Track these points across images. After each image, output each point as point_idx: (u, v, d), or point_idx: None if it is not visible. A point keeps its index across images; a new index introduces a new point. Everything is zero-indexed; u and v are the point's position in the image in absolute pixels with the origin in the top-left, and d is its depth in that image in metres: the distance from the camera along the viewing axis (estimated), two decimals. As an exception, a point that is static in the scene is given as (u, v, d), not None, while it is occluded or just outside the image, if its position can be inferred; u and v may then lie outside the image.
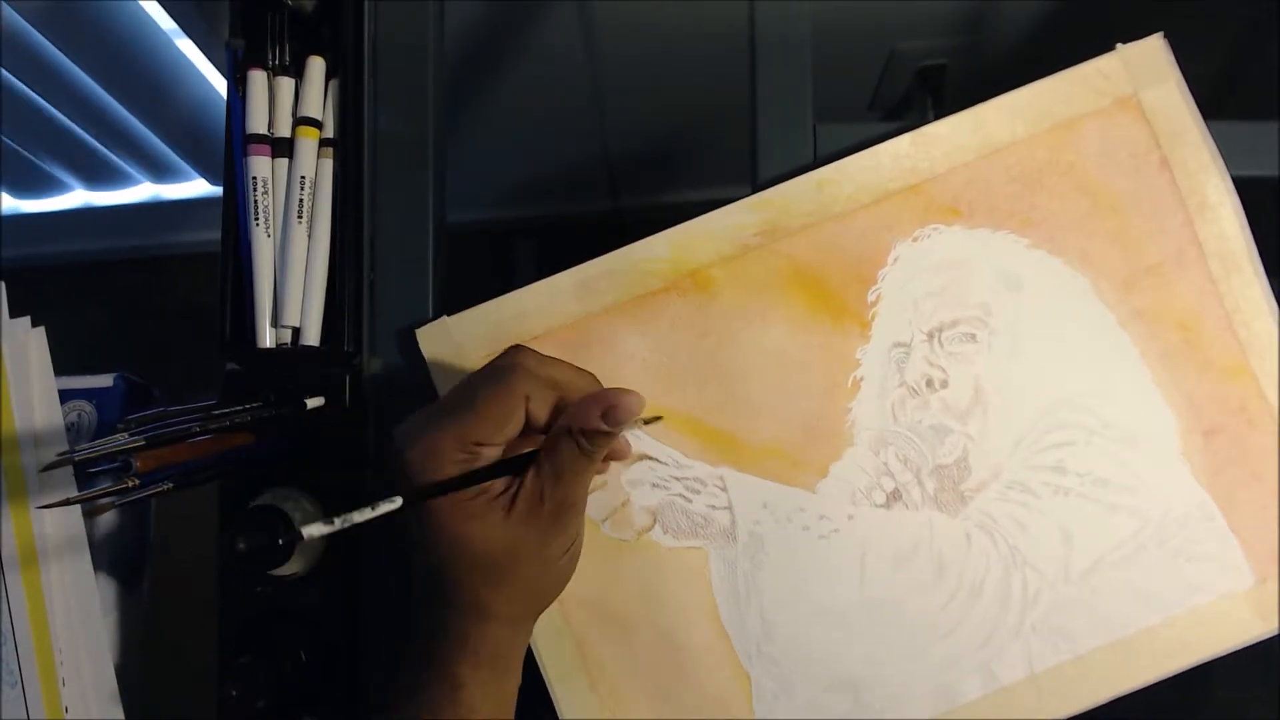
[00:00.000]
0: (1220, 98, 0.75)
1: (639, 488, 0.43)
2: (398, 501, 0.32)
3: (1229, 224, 0.42)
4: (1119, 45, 0.43)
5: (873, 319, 0.43)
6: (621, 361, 0.43)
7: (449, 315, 0.44)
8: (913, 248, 0.43)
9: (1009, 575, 0.42)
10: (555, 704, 0.42)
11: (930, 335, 0.43)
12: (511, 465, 0.34)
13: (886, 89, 0.80)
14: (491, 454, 0.34)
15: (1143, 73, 0.43)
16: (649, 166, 0.96)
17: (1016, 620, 0.42)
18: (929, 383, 0.43)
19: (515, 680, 0.36)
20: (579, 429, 0.34)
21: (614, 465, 0.43)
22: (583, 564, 0.39)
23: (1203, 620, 0.41)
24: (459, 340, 0.44)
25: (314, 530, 0.30)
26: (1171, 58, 0.43)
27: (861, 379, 0.43)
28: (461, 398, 0.34)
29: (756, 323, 0.43)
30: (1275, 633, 0.41)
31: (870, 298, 0.43)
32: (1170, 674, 0.41)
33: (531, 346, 0.38)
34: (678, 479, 0.43)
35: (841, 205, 0.43)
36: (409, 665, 0.36)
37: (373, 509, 0.31)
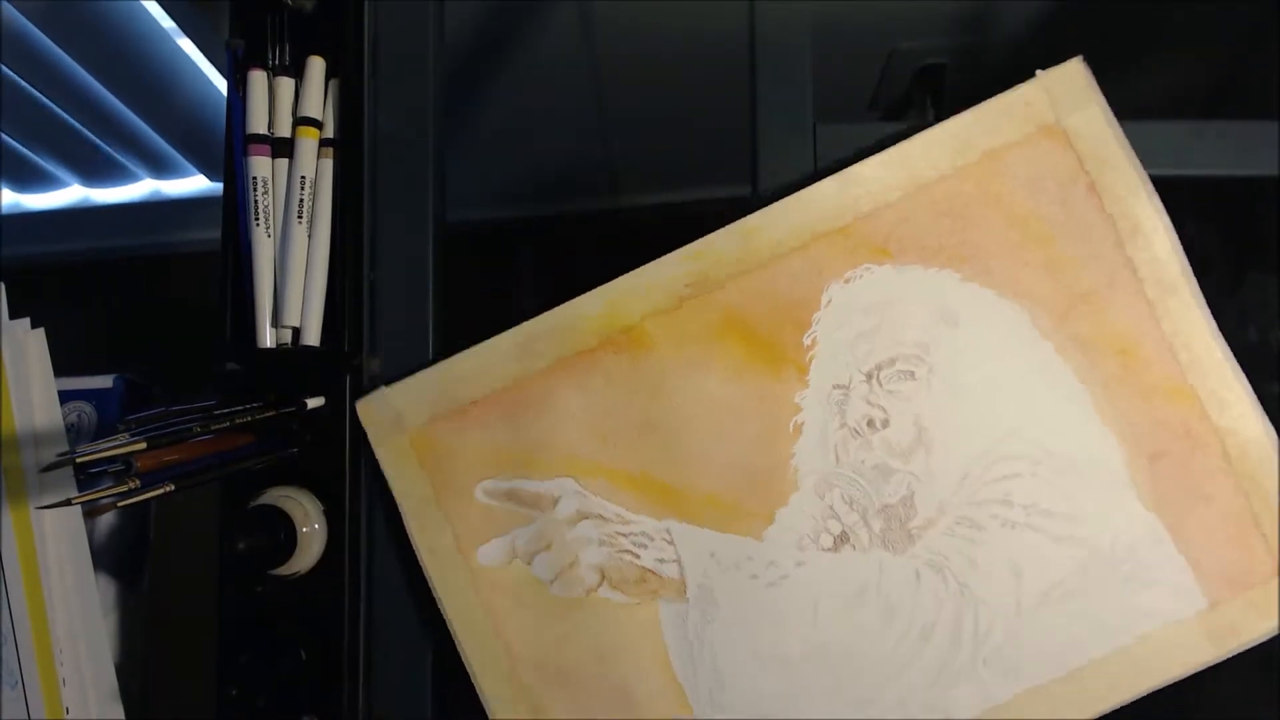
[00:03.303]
0: (1220, 98, 0.75)
1: (586, 546, 0.43)
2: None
3: (1161, 247, 0.42)
4: (1039, 72, 0.43)
5: (810, 362, 0.43)
6: (562, 420, 0.43)
7: (387, 385, 0.44)
8: (845, 289, 0.43)
9: (960, 612, 0.42)
10: None
11: (869, 375, 0.43)
12: None
13: (886, 89, 0.80)
14: None
15: (1065, 98, 0.42)
16: (649, 166, 0.96)
17: (969, 657, 0.41)
18: (870, 423, 0.42)
19: None
20: None
21: (560, 524, 0.43)
22: (533, 625, 0.40)
23: (1156, 646, 0.41)
24: (400, 408, 0.44)
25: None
26: (1093, 81, 0.42)
27: (803, 423, 0.43)
28: None
29: (693, 374, 0.43)
30: (1228, 656, 0.41)
31: (806, 341, 0.43)
32: (1126, 701, 0.41)
33: (473, 410, 0.38)
34: (624, 534, 0.43)
35: (770, 250, 0.43)
36: None
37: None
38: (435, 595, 0.43)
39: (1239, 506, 0.41)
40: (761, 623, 0.42)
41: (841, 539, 0.42)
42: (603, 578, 0.43)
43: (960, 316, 0.43)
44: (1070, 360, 0.42)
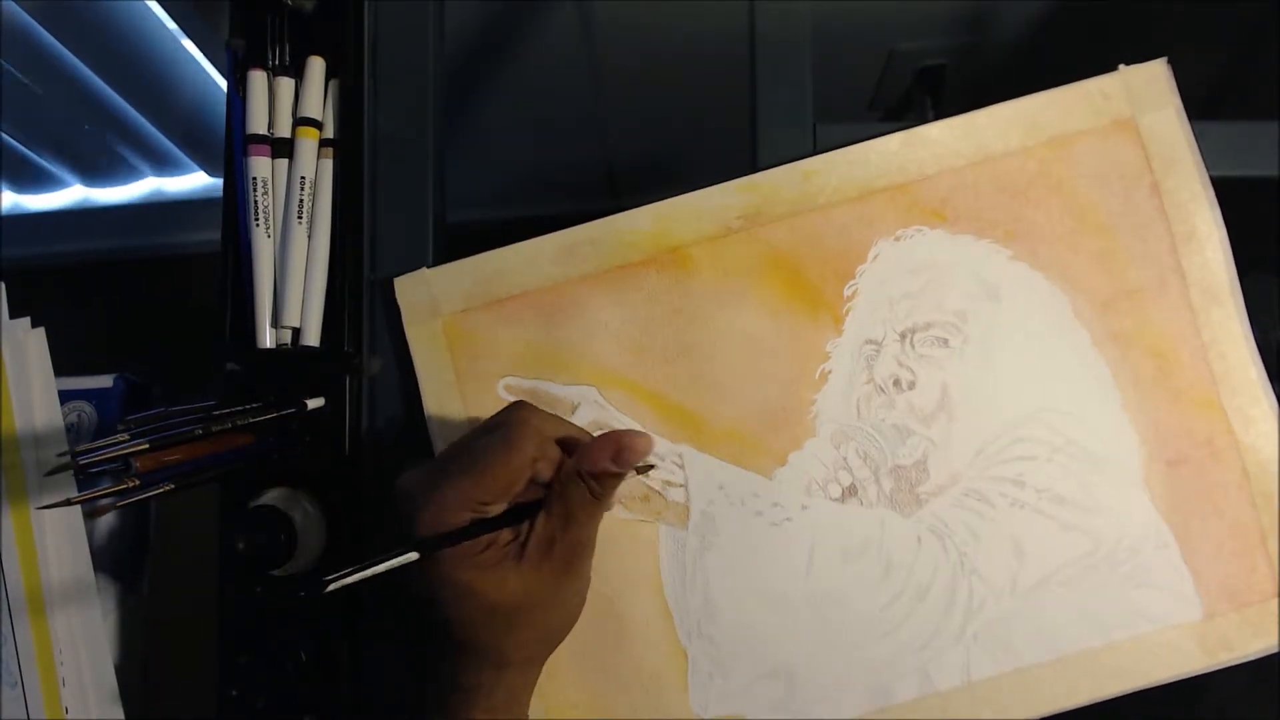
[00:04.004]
0: (1220, 98, 0.75)
1: None
2: (414, 555, 0.32)
3: (1214, 256, 0.42)
4: (1122, 66, 0.43)
5: (847, 313, 0.43)
6: (594, 330, 0.43)
7: (429, 267, 0.44)
8: (894, 247, 0.43)
9: (955, 581, 0.42)
10: None
11: (903, 335, 0.43)
12: (520, 514, 0.34)
13: (886, 89, 0.80)
14: (497, 509, 0.34)
15: (1143, 96, 0.43)
16: (649, 166, 0.96)
17: (959, 627, 0.42)
18: (896, 383, 0.43)
19: (525, 717, 0.37)
20: (589, 471, 0.34)
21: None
22: None
23: (1146, 648, 0.41)
24: (436, 293, 0.44)
25: (339, 582, 0.31)
26: (1173, 83, 0.42)
27: (830, 372, 0.43)
28: (467, 456, 0.34)
29: (731, 305, 0.43)
30: (1217, 668, 0.41)
31: (847, 292, 0.43)
32: (1108, 697, 0.41)
33: (508, 305, 0.39)
34: None
35: (826, 197, 0.43)
36: (422, 715, 0.36)
37: (390, 560, 0.32)
38: None
39: (1249, 523, 0.42)
40: (759, 559, 0.42)
41: (850, 491, 0.42)
42: None
43: (1003, 292, 0.43)
44: (1105, 353, 0.42)
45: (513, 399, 0.43)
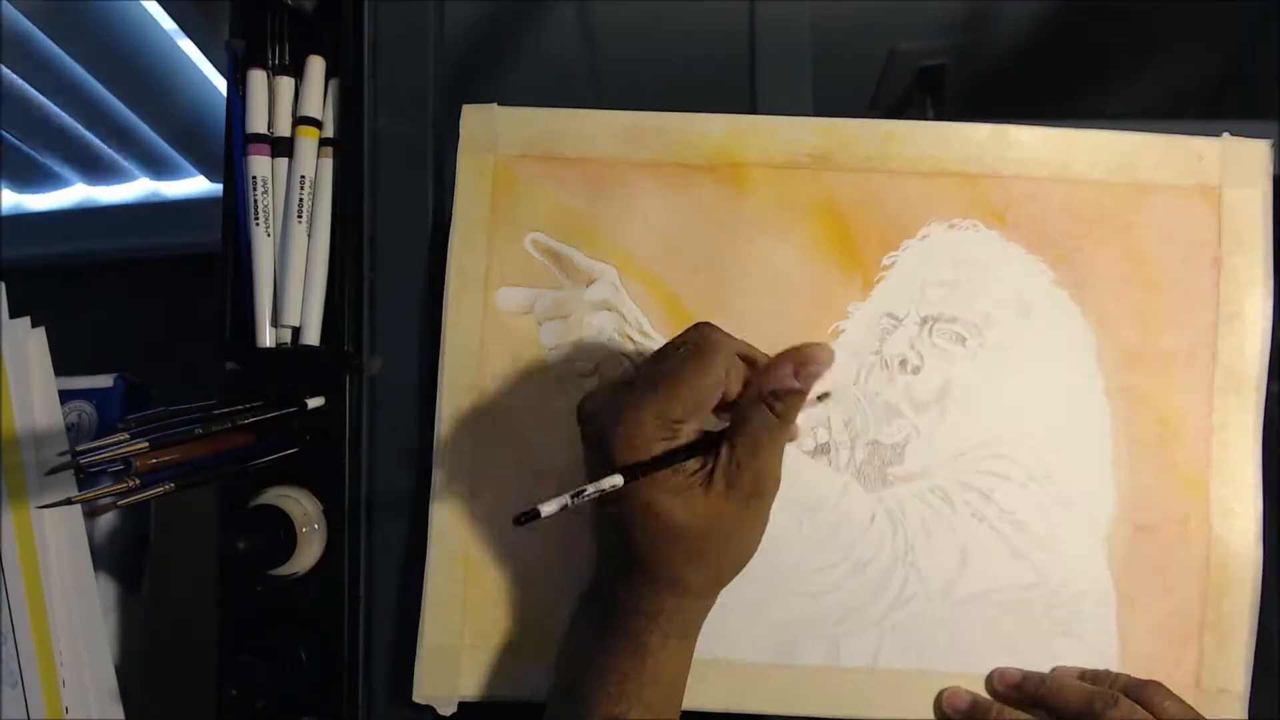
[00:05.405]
0: (1220, 98, 0.75)
1: (596, 334, 0.44)
2: (620, 480, 0.32)
3: (1252, 344, 0.42)
4: (1226, 134, 0.42)
5: (878, 281, 0.43)
6: (635, 216, 0.44)
7: (500, 104, 0.44)
8: (945, 233, 0.43)
9: (894, 568, 0.42)
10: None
11: (924, 321, 0.43)
12: (709, 443, 0.35)
13: (886, 89, 0.80)
14: (690, 429, 0.34)
15: (1237, 170, 0.42)
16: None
17: (881, 613, 0.42)
18: (903, 363, 0.43)
19: (694, 645, 0.37)
20: (771, 391, 0.34)
21: (584, 304, 0.43)
22: (514, 377, 0.42)
23: None
24: (499, 130, 0.44)
25: (549, 508, 0.31)
26: (1270, 166, 0.42)
27: (842, 331, 0.43)
28: (660, 375, 0.34)
29: (772, 235, 0.43)
30: None
31: (885, 261, 0.43)
32: None
33: (562, 165, 0.41)
34: (634, 341, 0.43)
35: (899, 164, 0.43)
36: (597, 637, 0.36)
37: (597, 486, 0.32)
38: (444, 313, 0.43)
39: (1193, 612, 0.41)
40: None
41: (822, 449, 0.42)
42: (596, 369, 0.43)
43: (1035, 311, 0.43)
44: (1112, 404, 0.42)
45: (537, 256, 0.44)
